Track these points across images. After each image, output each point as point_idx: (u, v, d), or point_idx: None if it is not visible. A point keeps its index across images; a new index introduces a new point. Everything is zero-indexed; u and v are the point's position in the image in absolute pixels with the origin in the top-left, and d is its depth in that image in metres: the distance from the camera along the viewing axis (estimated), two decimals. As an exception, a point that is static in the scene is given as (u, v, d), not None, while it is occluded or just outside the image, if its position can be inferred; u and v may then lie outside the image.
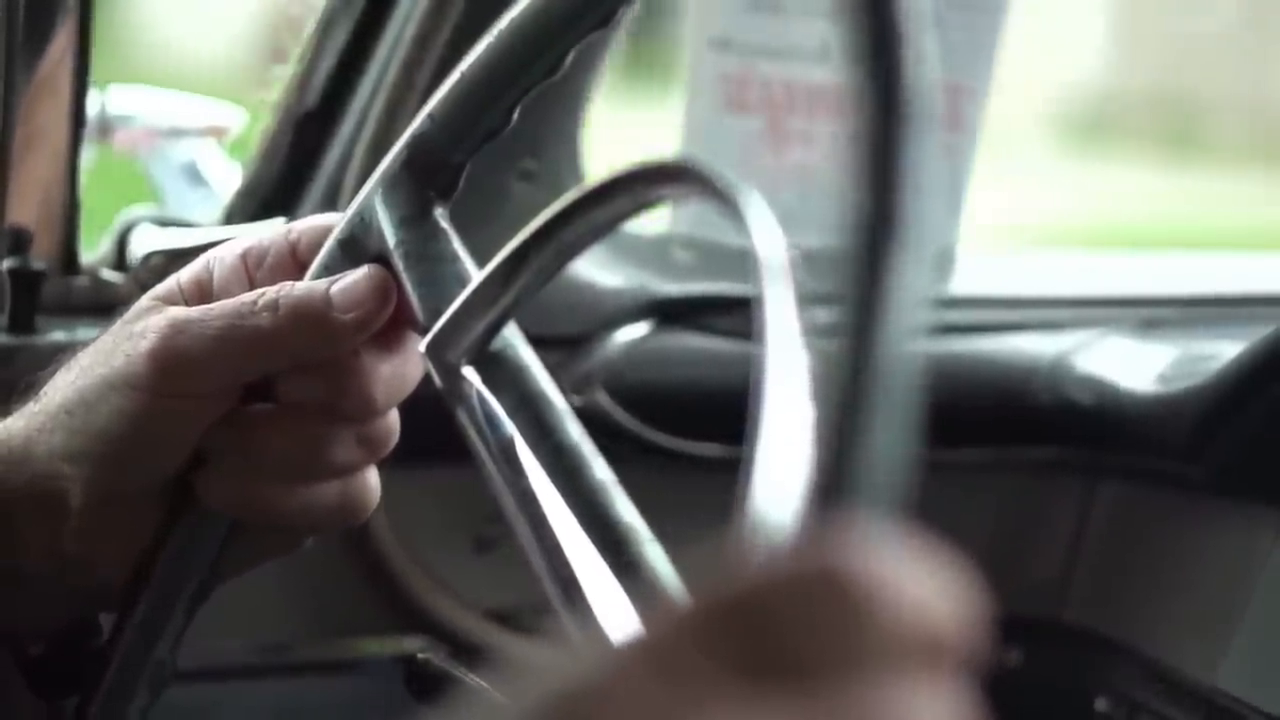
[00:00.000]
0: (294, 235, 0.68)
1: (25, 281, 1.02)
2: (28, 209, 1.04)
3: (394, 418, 0.67)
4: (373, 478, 0.67)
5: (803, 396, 0.45)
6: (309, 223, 0.69)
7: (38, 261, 1.03)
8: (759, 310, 0.50)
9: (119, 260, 1.10)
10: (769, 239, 0.51)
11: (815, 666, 0.33)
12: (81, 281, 1.07)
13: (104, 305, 1.07)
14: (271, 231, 0.68)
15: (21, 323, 1.03)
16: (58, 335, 1.04)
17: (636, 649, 0.34)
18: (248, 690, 1.13)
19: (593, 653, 0.35)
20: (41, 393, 0.66)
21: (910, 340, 0.37)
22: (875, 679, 0.34)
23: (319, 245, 0.67)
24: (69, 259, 1.07)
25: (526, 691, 0.35)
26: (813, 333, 0.47)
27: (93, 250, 1.10)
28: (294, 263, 0.67)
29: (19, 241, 1.03)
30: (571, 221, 0.62)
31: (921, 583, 0.35)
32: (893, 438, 0.36)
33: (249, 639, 1.11)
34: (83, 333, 1.05)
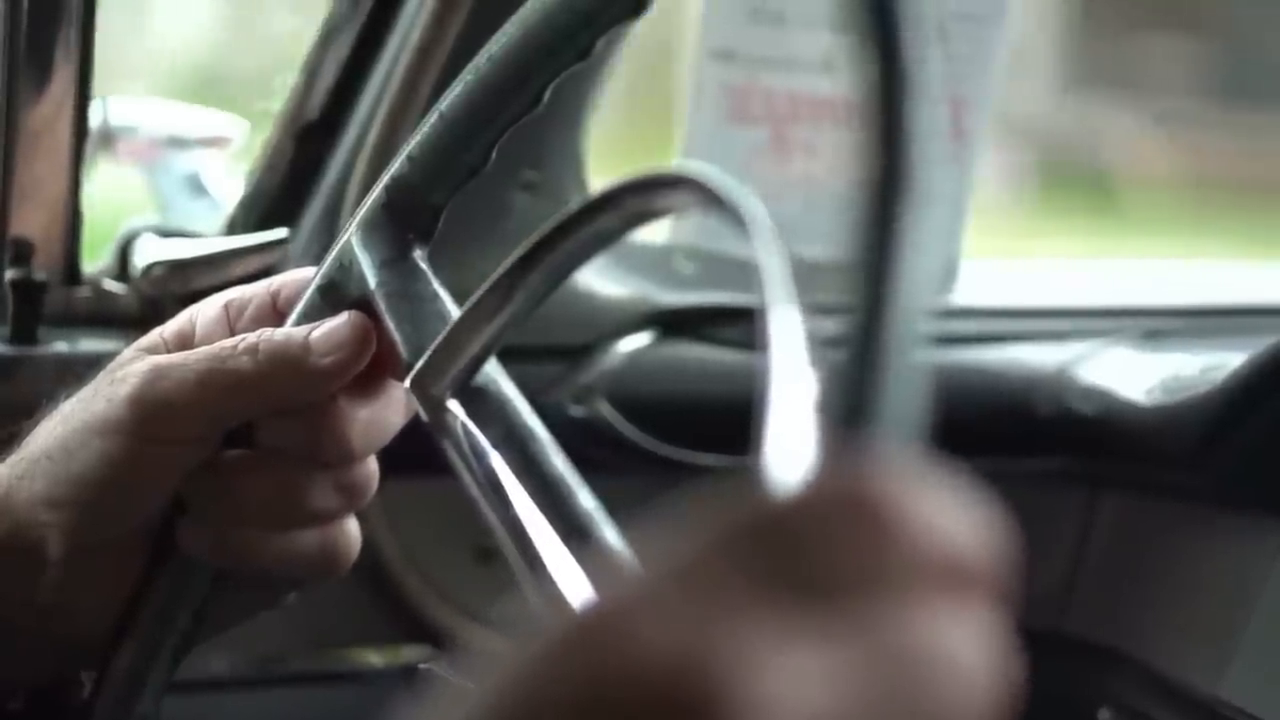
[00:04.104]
0: (275, 286, 0.69)
1: (27, 292, 1.02)
2: (30, 220, 1.04)
3: (373, 465, 0.67)
4: (352, 527, 0.68)
5: (807, 396, 0.45)
6: (289, 275, 0.70)
7: (40, 272, 1.03)
8: (763, 320, 0.50)
9: (121, 271, 1.10)
10: (772, 248, 0.51)
11: (843, 584, 0.34)
12: (84, 292, 1.07)
13: (106, 316, 1.08)
14: (253, 285, 0.69)
15: (24, 334, 1.03)
16: (60, 346, 1.04)
17: (668, 566, 0.35)
18: (248, 701, 1.13)
19: (625, 573, 0.36)
20: (24, 441, 0.67)
21: (925, 272, 0.37)
22: (901, 598, 0.34)
23: (300, 295, 0.68)
24: (71, 270, 1.07)
25: (559, 616, 0.35)
26: (818, 342, 0.47)
27: (95, 261, 1.10)
28: (275, 313, 0.68)
29: (21, 253, 1.03)
30: (567, 237, 0.62)
31: (947, 507, 0.35)
32: (911, 366, 0.37)
33: (249, 649, 1.11)
34: (85, 344, 1.05)
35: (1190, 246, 2.12)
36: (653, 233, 1.25)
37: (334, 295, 0.67)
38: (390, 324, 0.66)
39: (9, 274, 1.03)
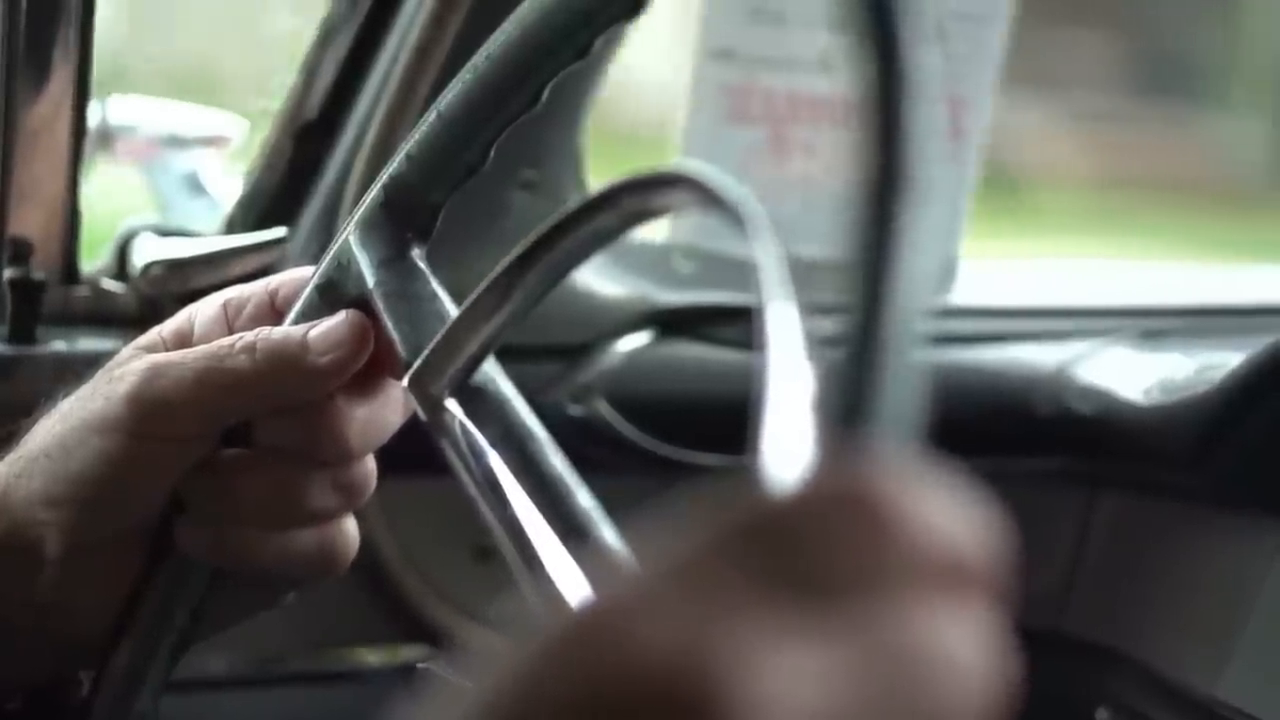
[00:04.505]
0: (273, 285, 0.69)
1: (26, 292, 1.02)
2: (29, 220, 1.04)
3: (371, 464, 0.67)
4: (350, 527, 0.68)
5: (805, 395, 0.45)
6: (288, 274, 0.70)
7: (38, 272, 1.03)
8: (761, 320, 0.50)
9: (120, 270, 1.10)
10: (770, 247, 0.51)
11: (841, 583, 0.34)
12: (82, 292, 1.07)
13: (104, 315, 1.07)
14: (251, 284, 0.69)
15: (22, 333, 1.03)
16: (58, 346, 1.04)
17: (665, 564, 0.35)
18: (246, 701, 1.13)
19: (623, 572, 0.36)
20: (23, 440, 0.66)
21: (923, 271, 0.37)
22: (899, 597, 0.34)
23: (298, 295, 0.68)
24: (70, 269, 1.07)
25: (557, 615, 0.35)
26: (816, 341, 0.47)
27: (93, 260, 1.10)
28: (273, 312, 0.68)
29: (20, 252, 1.03)
30: (565, 237, 0.62)
31: (945, 506, 0.35)
32: (909, 366, 0.37)
33: (247, 648, 1.11)
34: (83, 343, 1.05)
35: (1110, 245, 2.12)
36: (652, 232, 1.25)
37: (332, 294, 0.67)
38: (388, 323, 0.66)
39: (7, 273, 1.03)
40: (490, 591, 1.15)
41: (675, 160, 1.24)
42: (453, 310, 0.65)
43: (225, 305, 0.69)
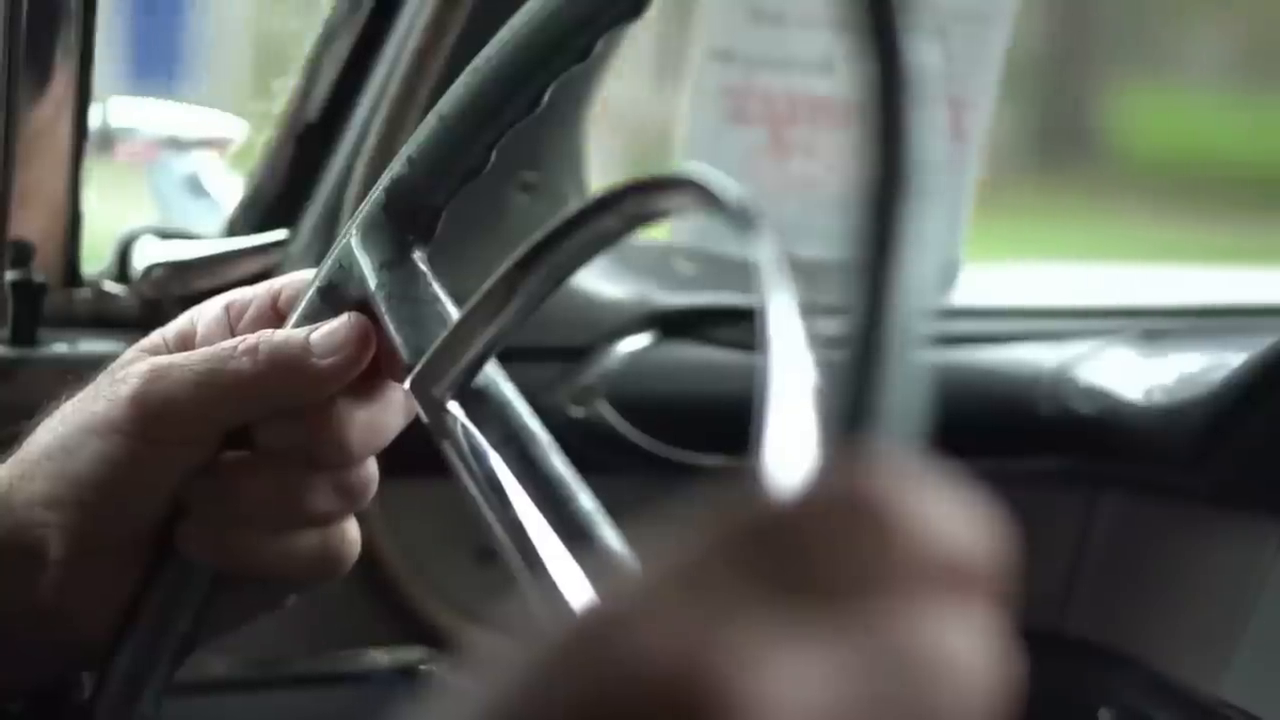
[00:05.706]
0: (275, 288, 0.69)
1: (27, 294, 1.03)
2: (30, 222, 1.04)
3: (372, 467, 0.67)
4: (352, 529, 0.68)
5: (807, 397, 0.45)
6: (290, 276, 0.70)
7: (40, 274, 1.03)
8: (762, 321, 0.50)
9: (121, 273, 1.10)
10: (771, 249, 0.51)
11: (843, 585, 0.34)
12: (83, 294, 1.08)
13: (106, 318, 1.08)
14: (254, 286, 0.69)
15: (23, 335, 1.03)
16: (59, 348, 1.04)
17: (668, 567, 0.35)
18: (248, 703, 1.13)
19: (625, 575, 0.36)
20: (25, 442, 0.67)
21: (926, 273, 0.37)
22: (901, 599, 0.34)
23: (300, 297, 0.68)
24: (71, 271, 1.07)
25: (559, 617, 0.35)
26: (818, 342, 0.48)
27: (95, 263, 1.10)
28: (275, 314, 0.68)
29: (21, 254, 1.03)
30: (567, 239, 0.62)
31: (948, 509, 0.35)
32: (911, 367, 0.37)
33: (249, 651, 1.11)
34: (84, 345, 1.05)
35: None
36: (653, 234, 1.25)
37: (334, 297, 0.67)
38: (390, 326, 0.66)
39: (9, 275, 1.03)
40: (492, 594, 1.15)
41: (676, 162, 1.24)
42: (454, 313, 0.65)
43: (227, 308, 0.69)
